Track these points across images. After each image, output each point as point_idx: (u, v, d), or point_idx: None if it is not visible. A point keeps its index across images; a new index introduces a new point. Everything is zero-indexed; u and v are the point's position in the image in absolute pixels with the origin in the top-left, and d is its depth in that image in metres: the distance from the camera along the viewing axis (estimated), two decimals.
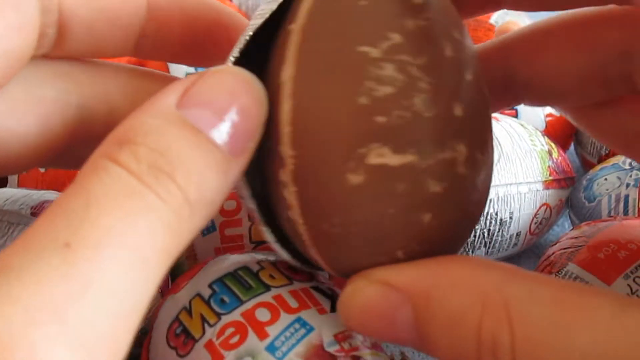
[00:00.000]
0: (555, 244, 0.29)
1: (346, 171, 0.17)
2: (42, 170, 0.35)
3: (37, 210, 0.28)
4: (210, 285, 0.25)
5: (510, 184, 0.34)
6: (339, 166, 0.17)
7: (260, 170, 0.20)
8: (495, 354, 0.16)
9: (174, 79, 0.19)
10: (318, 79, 0.17)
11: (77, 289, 0.13)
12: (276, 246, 0.22)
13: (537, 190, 0.35)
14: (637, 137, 0.22)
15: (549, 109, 0.42)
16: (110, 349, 0.14)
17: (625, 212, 0.33)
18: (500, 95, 0.23)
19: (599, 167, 0.37)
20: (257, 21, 0.19)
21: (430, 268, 0.17)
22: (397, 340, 0.18)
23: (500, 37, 0.23)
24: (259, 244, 0.30)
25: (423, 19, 0.18)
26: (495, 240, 0.34)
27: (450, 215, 0.18)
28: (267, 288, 0.24)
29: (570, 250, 0.27)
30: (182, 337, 0.24)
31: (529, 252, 0.38)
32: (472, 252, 0.34)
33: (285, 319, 0.23)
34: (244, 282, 0.25)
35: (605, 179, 0.35)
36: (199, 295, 0.25)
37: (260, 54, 0.20)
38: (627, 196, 0.33)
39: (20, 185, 0.36)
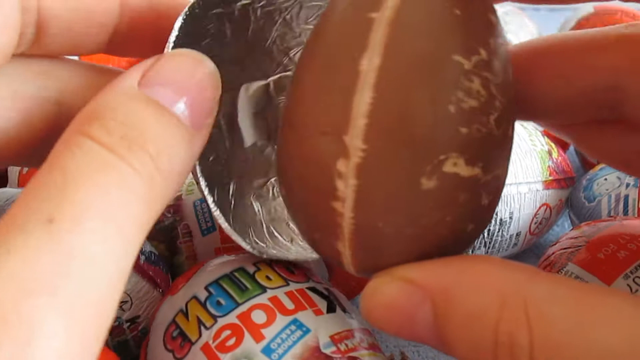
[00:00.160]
0: (555, 244, 0.29)
1: (422, 175, 0.17)
2: None
3: None
4: (206, 287, 0.25)
5: (510, 184, 0.34)
6: (415, 169, 0.17)
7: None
8: (512, 355, 0.16)
9: None
10: (407, 76, 0.17)
11: (63, 261, 0.14)
12: (217, 214, 0.23)
13: (537, 190, 0.35)
14: (635, 155, 0.22)
15: None
16: (97, 315, 0.14)
17: (625, 212, 0.33)
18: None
19: (599, 167, 0.37)
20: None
21: (451, 267, 0.17)
22: (416, 338, 0.18)
23: None
24: None
25: (499, 40, 0.18)
26: (495, 240, 0.34)
27: (485, 224, 0.19)
28: (263, 289, 0.24)
29: (570, 250, 0.27)
30: (179, 340, 0.24)
31: (529, 252, 0.38)
32: (472, 252, 0.34)
33: (281, 320, 0.23)
34: (239, 283, 0.25)
35: (605, 179, 0.35)
36: (195, 297, 0.25)
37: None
38: (627, 196, 0.33)
39: (20, 185, 0.36)
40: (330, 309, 0.24)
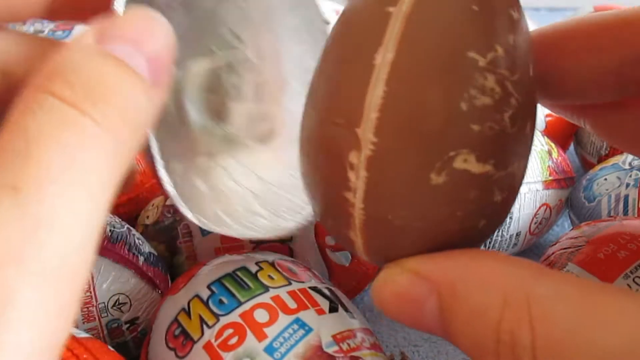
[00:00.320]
0: (555, 244, 0.29)
1: (431, 170, 0.17)
2: None
3: None
4: (208, 286, 0.25)
5: None
6: (424, 164, 0.17)
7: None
8: (515, 353, 0.16)
9: None
10: (421, 72, 0.17)
11: (30, 230, 0.14)
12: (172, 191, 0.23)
13: (537, 190, 0.35)
14: None
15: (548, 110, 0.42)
16: (69, 280, 0.14)
17: (625, 212, 0.33)
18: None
19: (598, 167, 0.37)
20: None
21: (458, 261, 0.17)
22: (424, 328, 0.18)
23: None
24: (259, 244, 0.30)
25: (520, 36, 0.18)
26: (495, 240, 0.34)
27: (499, 221, 0.19)
28: (266, 289, 0.24)
29: (570, 250, 0.27)
30: (181, 338, 0.24)
31: (529, 252, 0.38)
32: None
33: (283, 319, 0.23)
34: (242, 282, 0.25)
35: (605, 179, 0.35)
36: (197, 296, 0.25)
37: None
38: (627, 196, 0.33)
39: None
40: (333, 309, 0.24)
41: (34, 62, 0.20)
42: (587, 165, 0.42)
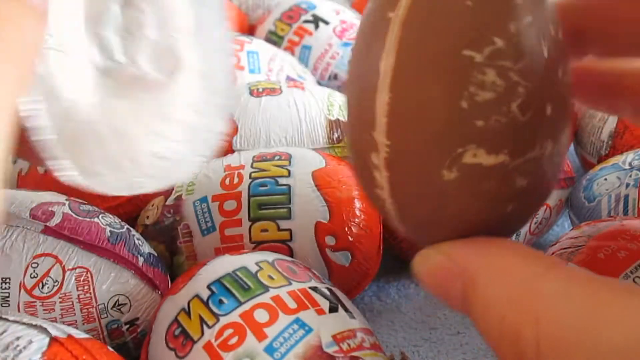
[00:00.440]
0: (555, 244, 0.29)
1: (441, 168, 0.18)
2: (42, 171, 0.35)
3: (36, 212, 0.28)
4: (208, 286, 0.25)
5: None
6: (434, 162, 0.18)
7: None
8: (518, 347, 0.16)
9: None
10: (420, 76, 0.18)
11: None
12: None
13: None
14: None
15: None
16: None
17: (625, 212, 0.33)
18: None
19: (598, 167, 0.37)
20: None
21: (482, 251, 0.18)
22: (451, 306, 0.19)
23: None
24: (259, 244, 0.30)
25: (525, 21, 0.18)
26: None
27: (529, 204, 0.19)
28: (266, 289, 0.24)
29: (570, 250, 0.27)
30: (181, 338, 0.24)
31: None
32: None
33: (283, 319, 0.23)
34: (242, 282, 0.25)
35: (605, 179, 0.35)
36: (197, 296, 0.25)
37: None
38: (627, 196, 0.33)
39: (19, 186, 0.36)
40: (333, 309, 0.24)
41: None
42: (587, 165, 0.42)
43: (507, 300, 0.17)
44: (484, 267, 0.18)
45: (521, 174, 0.18)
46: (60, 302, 0.27)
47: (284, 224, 0.30)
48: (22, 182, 0.36)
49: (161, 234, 0.32)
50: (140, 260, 0.29)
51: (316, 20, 0.50)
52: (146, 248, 0.30)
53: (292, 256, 0.30)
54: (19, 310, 0.27)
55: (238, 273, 0.25)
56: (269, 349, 0.22)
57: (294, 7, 0.52)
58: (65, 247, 0.28)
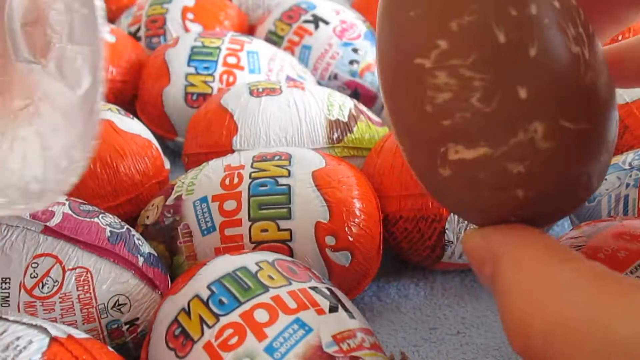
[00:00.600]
0: None
1: (437, 167, 0.19)
2: None
3: (36, 213, 0.28)
4: (208, 286, 0.25)
5: None
6: (430, 163, 0.19)
7: None
8: (527, 335, 0.17)
9: None
10: (393, 89, 0.20)
11: None
12: None
13: None
14: None
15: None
16: None
17: (625, 212, 0.33)
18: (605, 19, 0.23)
19: None
20: None
21: (508, 239, 0.19)
22: (483, 285, 0.20)
23: None
24: (259, 244, 0.30)
25: (467, 15, 0.18)
26: None
27: (543, 187, 0.19)
28: (266, 289, 0.24)
29: None
30: (181, 338, 0.24)
31: None
32: None
33: (283, 319, 0.23)
34: (242, 282, 0.25)
35: (605, 179, 0.35)
36: (197, 296, 0.25)
37: None
38: (627, 196, 0.33)
39: None
40: (333, 309, 0.24)
41: None
42: None
43: (521, 289, 0.17)
44: (507, 255, 0.19)
45: (512, 160, 0.18)
46: (60, 302, 0.27)
47: (284, 224, 0.30)
48: None
49: (161, 234, 0.32)
50: (140, 260, 0.29)
51: (316, 20, 0.50)
52: (146, 248, 0.30)
53: (292, 256, 0.30)
54: (18, 310, 0.27)
55: (238, 273, 0.25)
56: (269, 349, 0.22)
57: (294, 7, 0.52)
58: (65, 247, 0.28)
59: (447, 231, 0.32)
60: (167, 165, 0.39)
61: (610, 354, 0.15)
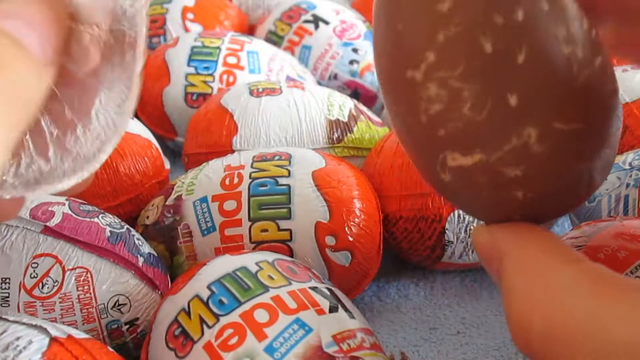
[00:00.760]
0: None
1: (439, 173, 0.20)
2: None
3: (36, 212, 0.28)
4: (208, 286, 0.25)
5: None
6: (431, 168, 0.20)
7: None
8: (528, 335, 0.17)
9: None
10: (391, 97, 0.20)
11: None
12: None
13: None
14: None
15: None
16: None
17: (625, 212, 0.33)
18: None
19: None
20: None
21: (511, 238, 0.20)
22: (494, 280, 0.20)
23: None
24: (259, 244, 0.30)
25: (453, 26, 0.18)
26: None
27: (542, 188, 0.19)
28: (266, 289, 0.24)
29: None
30: (181, 338, 0.24)
31: None
32: (473, 252, 0.34)
33: (283, 319, 0.23)
34: (242, 283, 0.25)
35: (605, 179, 0.35)
36: (197, 296, 0.25)
37: None
38: (627, 196, 0.33)
39: None
40: (333, 309, 0.24)
41: None
42: None
43: (522, 289, 0.18)
44: (510, 254, 0.19)
45: (508, 165, 0.18)
46: (60, 302, 0.27)
47: (284, 224, 0.30)
48: None
49: (161, 234, 0.32)
50: (140, 260, 0.29)
51: (316, 20, 0.50)
52: (146, 248, 0.30)
53: (292, 256, 0.30)
54: (18, 311, 0.27)
55: (238, 273, 0.25)
56: (269, 349, 0.22)
57: (294, 7, 0.52)
58: (65, 247, 0.28)
59: (447, 231, 0.32)
60: (167, 165, 0.39)
61: (609, 355, 0.15)
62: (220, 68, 0.44)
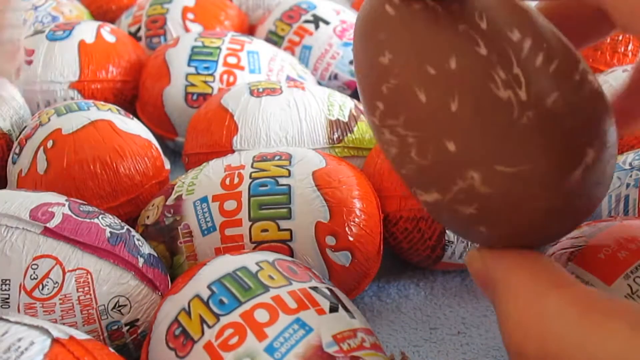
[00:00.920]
0: (556, 244, 0.29)
1: (419, 202, 0.21)
2: (41, 172, 0.35)
3: (36, 213, 0.28)
4: (209, 286, 0.25)
5: None
6: (413, 196, 0.21)
7: None
8: None
9: None
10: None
11: None
12: None
13: None
14: None
15: None
16: None
17: (626, 212, 0.33)
18: (590, 31, 0.23)
19: None
20: None
21: (501, 265, 0.20)
22: (489, 299, 0.21)
23: None
24: (259, 244, 0.30)
25: (392, 78, 0.19)
26: None
27: (502, 225, 0.19)
28: (266, 289, 0.24)
29: (571, 250, 0.27)
30: (181, 338, 0.24)
31: None
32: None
33: (284, 319, 0.23)
34: (242, 282, 0.25)
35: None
36: (197, 296, 0.25)
37: None
38: (627, 196, 0.33)
39: (19, 186, 0.36)
40: (333, 309, 0.24)
41: None
42: None
43: (515, 317, 0.18)
44: (502, 282, 0.20)
45: (461, 204, 0.19)
46: (60, 304, 0.27)
47: (284, 224, 0.30)
48: (21, 182, 0.36)
49: (161, 234, 0.32)
50: (141, 261, 0.29)
51: (316, 20, 0.50)
52: (146, 249, 0.30)
53: (292, 256, 0.30)
54: (18, 312, 0.27)
55: (238, 273, 0.25)
56: (269, 349, 0.22)
57: (294, 7, 0.52)
58: (65, 248, 0.28)
59: (447, 231, 0.32)
60: (167, 165, 0.39)
61: None
62: (220, 68, 0.44)
